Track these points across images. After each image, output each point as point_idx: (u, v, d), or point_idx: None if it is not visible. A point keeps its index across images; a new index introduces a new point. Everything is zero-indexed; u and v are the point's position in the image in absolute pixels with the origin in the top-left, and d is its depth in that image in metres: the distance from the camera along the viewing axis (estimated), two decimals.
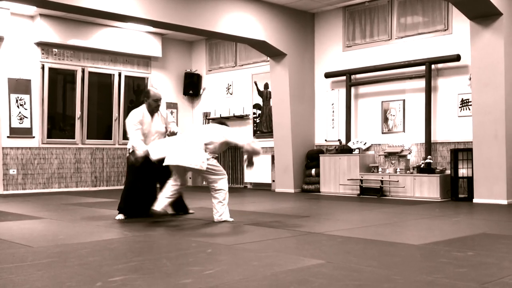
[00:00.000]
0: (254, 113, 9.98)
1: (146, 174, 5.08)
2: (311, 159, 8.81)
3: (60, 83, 9.77)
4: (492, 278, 2.63)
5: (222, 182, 4.87)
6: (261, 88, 9.87)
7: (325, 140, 8.95)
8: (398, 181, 7.49)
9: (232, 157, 10.28)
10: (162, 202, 4.82)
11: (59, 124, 9.76)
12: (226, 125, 5.09)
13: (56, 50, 9.39)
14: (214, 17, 7.71)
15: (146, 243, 3.84)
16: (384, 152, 7.95)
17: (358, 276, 2.68)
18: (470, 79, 7.03)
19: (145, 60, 10.51)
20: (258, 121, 9.94)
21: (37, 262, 3.11)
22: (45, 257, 3.25)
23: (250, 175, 9.77)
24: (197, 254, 3.33)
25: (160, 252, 3.40)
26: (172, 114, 10.34)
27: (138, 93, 10.61)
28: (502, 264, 2.96)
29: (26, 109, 9.07)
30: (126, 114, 10.28)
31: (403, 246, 3.61)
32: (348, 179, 8.03)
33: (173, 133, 5.25)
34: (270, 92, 9.51)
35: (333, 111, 8.84)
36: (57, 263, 3.08)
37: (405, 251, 3.42)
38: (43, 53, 9.28)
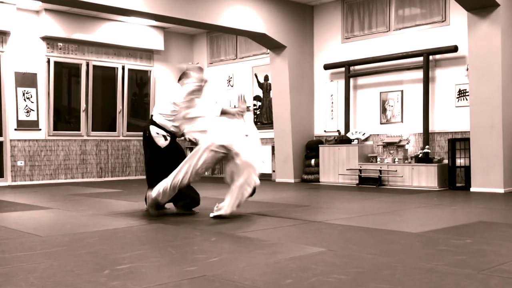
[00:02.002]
0: (254, 105, 9.95)
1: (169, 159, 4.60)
2: (310, 150, 8.79)
3: (65, 77, 9.74)
4: (490, 265, 2.63)
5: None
6: (261, 80, 9.83)
7: (324, 130, 8.93)
8: (396, 170, 7.48)
9: None
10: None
11: (64, 116, 9.74)
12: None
13: (61, 44, 9.36)
14: (215, 11, 7.67)
15: (152, 232, 3.84)
16: (383, 142, 7.94)
17: (359, 264, 2.68)
18: (467, 69, 6.99)
19: (148, 54, 10.46)
20: (258, 112, 9.91)
21: (46, 250, 3.12)
22: (54, 246, 3.25)
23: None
24: (201, 243, 3.33)
25: (166, 241, 3.41)
26: None
27: (141, 86, 10.58)
28: (500, 251, 2.96)
29: (32, 102, 9.05)
30: (129, 107, 10.30)
31: (403, 234, 3.61)
32: (347, 169, 8.02)
33: None
34: (270, 84, 9.48)
35: (332, 102, 8.81)
36: (66, 251, 3.08)
37: (404, 239, 3.42)
38: (48, 47, 9.24)
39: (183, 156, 4.73)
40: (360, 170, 7.85)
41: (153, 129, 4.63)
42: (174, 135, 4.70)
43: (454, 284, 2.29)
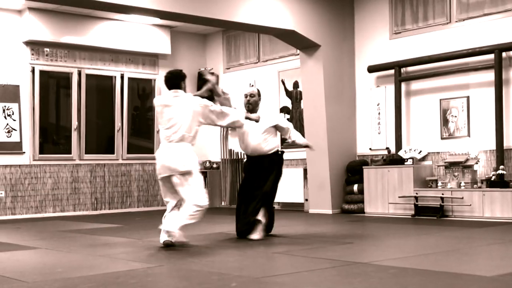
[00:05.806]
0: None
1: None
2: (352, 173, 8.75)
3: (52, 88, 9.89)
4: None
5: None
6: (290, 88, 9.88)
7: (370, 149, 8.90)
8: (462, 197, 7.38)
9: None
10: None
11: (52, 137, 9.89)
12: None
13: (47, 49, 9.55)
14: (233, 4, 7.77)
15: (159, 276, 3.86)
16: (445, 162, 7.85)
17: None
18: None
19: (152, 59, 10.61)
20: None
21: None
22: None
23: (279, 193, 9.73)
24: None
25: (176, 287, 3.43)
26: None
27: (144, 98, 10.72)
28: None
29: (14, 120, 9.22)
30: (130, 124, 10.43)
31: (472, 278, 3.54)
32: (399, 197, 7.95)
33: None
34: (300, 92, 9.52)
35: (379, 113, 8.79)
36: None
37: (475, 285, 3.36)
38: (33, 54, 9.38)
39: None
40: (416, 198, 7.77)
41: None
42: None
43: None
